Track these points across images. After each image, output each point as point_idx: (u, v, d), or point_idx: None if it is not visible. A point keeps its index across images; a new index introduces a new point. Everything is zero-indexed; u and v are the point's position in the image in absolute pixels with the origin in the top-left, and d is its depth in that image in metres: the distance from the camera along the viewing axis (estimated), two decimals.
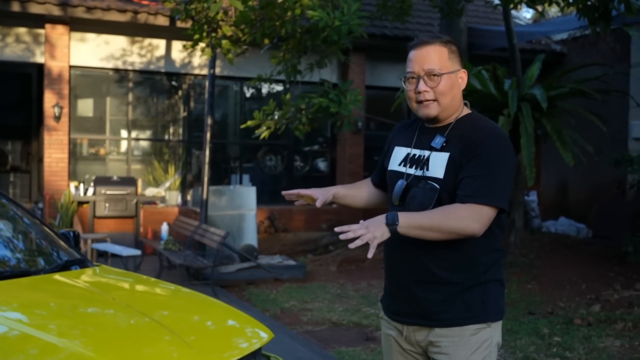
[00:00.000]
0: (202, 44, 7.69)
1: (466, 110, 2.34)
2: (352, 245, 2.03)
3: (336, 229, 2.06)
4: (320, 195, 2.39)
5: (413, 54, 2.27)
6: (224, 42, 7.34)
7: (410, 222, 2.08)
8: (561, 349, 5.27)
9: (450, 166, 2.21)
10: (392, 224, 2.05)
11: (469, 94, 8.58)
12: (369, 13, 8.49)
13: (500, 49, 10.74)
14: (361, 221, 2.05)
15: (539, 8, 8.84)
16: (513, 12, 12.79)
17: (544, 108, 7.70)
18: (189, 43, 8.00)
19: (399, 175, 2.34)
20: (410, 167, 2.32)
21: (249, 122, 8.06)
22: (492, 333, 2.28)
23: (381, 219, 2.07)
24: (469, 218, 2.10)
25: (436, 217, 2.11)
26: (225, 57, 7.63)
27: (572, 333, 5.69)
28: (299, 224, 11.65)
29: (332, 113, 7.19)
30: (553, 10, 20.11)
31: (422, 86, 2.23)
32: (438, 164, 2.24)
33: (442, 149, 2.26)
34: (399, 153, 2.40)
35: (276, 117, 7.78)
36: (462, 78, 2.30)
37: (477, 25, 12.39)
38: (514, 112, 7.78)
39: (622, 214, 10.12)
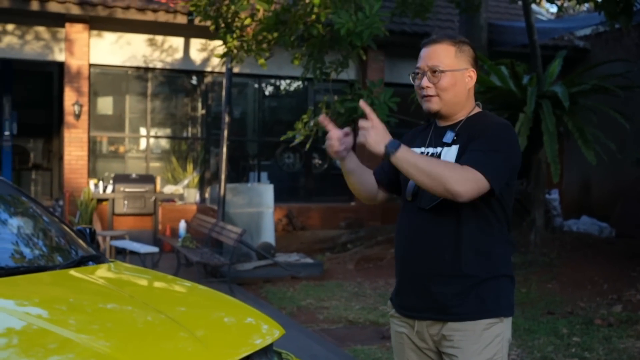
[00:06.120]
0: (231, 46, 7.58)
1: (478, 109, 2.39)
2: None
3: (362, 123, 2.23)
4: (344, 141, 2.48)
5: (422, 52, 2.37)
6: (262, 48, 7.25)
7: (407, 156, 2.14)
8: (580, 349, 5.18)
9: (460, 157, 2.25)
10: (391, 150, 2.14)
11: (488, 90, 8.46)
12: (389, 11, 8.43)
13: (522, 45, 10.60)
14: (372, 129, 2.19)
15: (559, 2, 8.70)
16: (536, 8, 12.63)
17: (566, 106, 7.59)
18: (218, 52, 7.89)
19: None
20: None
21: (290, 133, 8.14)
22: (504, 328, 2.29)
23: (385, 138, 2.16)
24: (460, 177, 2.12)
25: (432, 163, 2.16)
26: (257, 62, 7.60)
27: (591, 333, 5.59)
28: (317, 221, 11.63)
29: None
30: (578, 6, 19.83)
31: (424, 82, 2.32)
32: (449, 158, 2.28)
33: (452, 143, 2.31)
34: None
35: (312, 124, 7.79)
36: (470, 77, 2.34)
37: (498, 21, 12.26)
38: (532, 109, 7.69)
39: None
